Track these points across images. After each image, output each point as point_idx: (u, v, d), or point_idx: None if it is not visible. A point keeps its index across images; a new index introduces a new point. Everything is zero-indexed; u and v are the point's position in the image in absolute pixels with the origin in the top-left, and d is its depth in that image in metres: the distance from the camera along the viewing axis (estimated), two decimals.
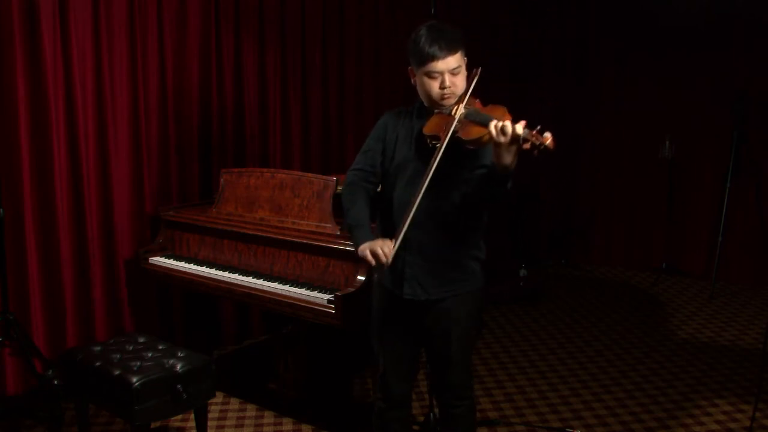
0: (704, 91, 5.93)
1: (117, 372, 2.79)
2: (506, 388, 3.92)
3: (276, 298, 3.28)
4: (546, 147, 2.05)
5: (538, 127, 2.09)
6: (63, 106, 3.57)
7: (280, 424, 3.48)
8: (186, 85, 4.19)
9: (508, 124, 2.08)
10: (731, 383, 3.96)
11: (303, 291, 3.20)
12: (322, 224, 3.36)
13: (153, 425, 3.04)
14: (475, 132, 2.20)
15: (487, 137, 2.15)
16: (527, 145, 2.09)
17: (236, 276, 3.47)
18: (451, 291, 2.45)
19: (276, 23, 4.63)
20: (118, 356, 2.95)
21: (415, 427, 3.43)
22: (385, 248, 2.24)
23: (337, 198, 3.35)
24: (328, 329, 3.14)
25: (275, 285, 3.31)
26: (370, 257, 2.26)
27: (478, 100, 2.34)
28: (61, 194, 3.57)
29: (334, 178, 3.38)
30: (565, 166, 6.77)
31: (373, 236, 2.36)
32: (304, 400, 3.56)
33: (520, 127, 2.08)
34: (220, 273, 3.53)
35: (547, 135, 2.06)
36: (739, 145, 5.62)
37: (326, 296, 3.10)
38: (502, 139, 2.08)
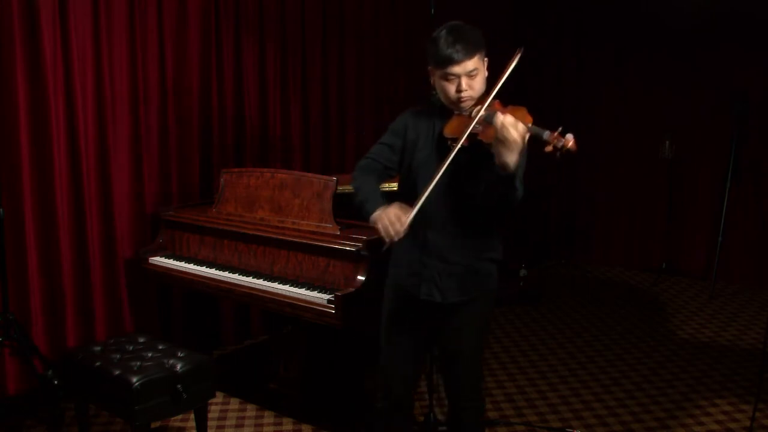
0: (704, 91, 5.93)
1: (117, 372, 2.80)
2: (506, 388, 3.92)
3: (276, 298, 3.28)
4: (568, 150, 2.03)
5: (560, 129, 2.06)
6: (63, 106, 3.57)
7: (280, 424, 3.48)
8: (186, 85, 4.19)
9: (511, 119, 2.06)
10: (731, 383, 3.96)
11: (303, 291, 3.20)
12: (322, 224, 3.36)
13: (153, 425, 3.04)
14: (494, 134, 2.16)
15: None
16: (549, 148, 2.06)
17: (236, 276, 3.47)
18: (469, 293, 2.44)
19: (276, 23, 4.63)
20: (118, 356, 2.95)
21: (415, 427, 3.43)
22: (397, 225, 2.18)
23: (336, 198, 3.35)
24: (328, 329, 3.14)
25: (275, 285, 3.31)
26: (381, 231, 2.22)
27: (498, 102, 2.31)
28: (61, 194, 3.57)
29: (334, 178, 3.38)
30: (565, 166, 6.77)
31: (385, 204, 2.29)
32: (304, 400, 3.56)
33: (522, 126, 2.06)
34: (221, 273, 3.53)
35: (569, 137, 2.04)
36: (738, 145, 5.62)
37: (326, 296, 3.10)
38: (511, 135, 2.04)
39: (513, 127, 2.06)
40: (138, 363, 2.88)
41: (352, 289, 3.05)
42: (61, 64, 3.54)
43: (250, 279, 3.42)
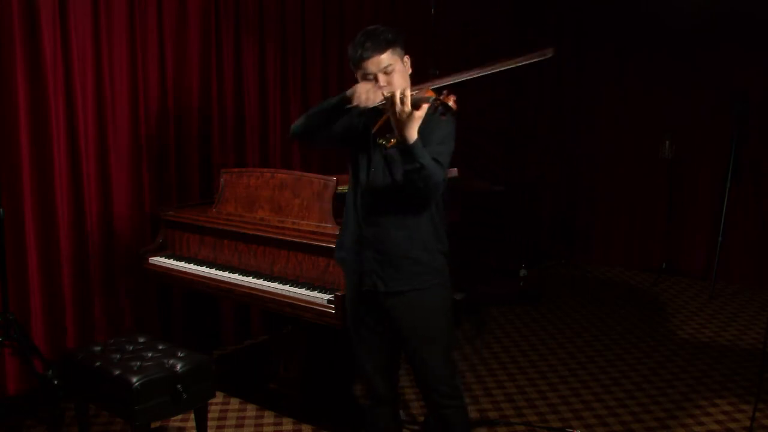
0: (704, 91, 5.93)
1: (117, 372, 2.79)
2: (506, 388, 3.92)
3: (276, 298, 3.28)
4: (447, 106, 2.13)
5: (445, 91, 2.16)
6: (63, 106, 3.57)
7: (280, 424, 3.48)
8: (186, 85, 4.19)
9: (396, 91, 2.18)
10: (731, 383, 3.96)
11: (303, 291, 3.20)
12: (322, 224, 3.36)
13: (153, 425, 3.04)
14: None
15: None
16: (433, 109, 2.18)
17: (236, 276, 3.47)
18: (413, 284, 2.45)
19: (276, 23, 4.63)
20: (118, 356, 2.95)
21: (415, 427, 3.43)
22: (375, 90, 2.30)
23: (337, 198, 3.35)
24: (328, 329, 3.14)
25: (275, 285, 3.31)
26: (359, 94, 2.31)
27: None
28: (61, 194, 3.57)
29: (334, 178, 3.38)
30: (565, 166, 6.78)
31: None
32: (304, 400, 3.56)
33: (406, 96, 2.17)
34: (221, 273, 3.53)
35: (451, 96, 2.13)
36: (738, 145, 5.62)
37: (326, 296, 3.10)
38: (397, 107, 2.16)
39: (403, 99, 2.17)
40: (138, 363, 2.88)
41: None
42: (61, 64, 3.54)
43: (250, 279, 3.42)
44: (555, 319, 5.10)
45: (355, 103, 2.31)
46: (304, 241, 3.31)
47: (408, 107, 2.16)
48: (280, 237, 3.40)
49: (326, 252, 3.22)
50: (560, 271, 6.46)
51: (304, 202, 3.46)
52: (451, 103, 2.13)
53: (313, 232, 3.33)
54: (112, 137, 3.82)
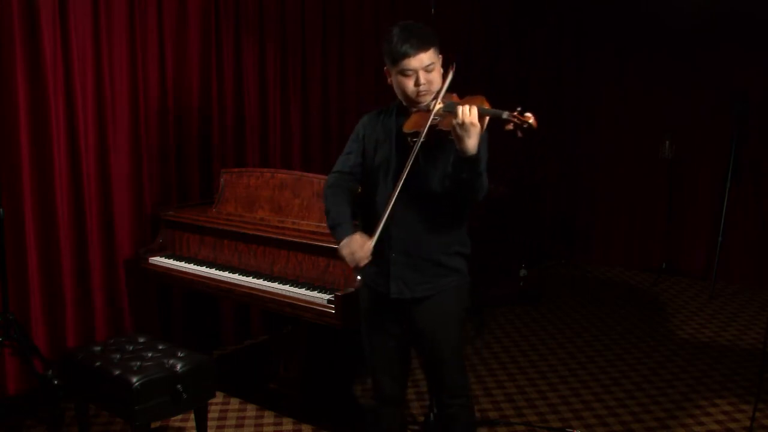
0: (704, 91, 5.93)
1: (117, 372, 2.80)
2: (506, 388, 3.92)
3: (276, 298, 3.28)
4: (530, 125, 2.10)
5: (519, 109, 2.14)
6: (63, 106, 3.57)
7: (280, 424, 3.48)
8: (186, 85, 4.19)
9: (467, 105, 2.14)
10: (731, 383, 3.96)
11: (303, 291, 3.20)
12: (323, 224, 3.34)
13: (153, 425, 3.05)
14: (452, 120, 2.23)
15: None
16: (509, 126, 2.14)
17: (236, 276, 3.47)
18: (437, 288, 2.44)
19: (276, 23, 4.63)
20: (118, 356, 2.95)
21: (415, 427, 3.43)
22: (360, 252, 2.26)
23: None
24: (328, 329, 3.14)
25: (275, 285, 3.31)
26: (346, 258, 2.31)
27: (455, 95, 2.34)
28: (61, 194, 3.57)
29: None
30: (565, 166, 6.78)
31: (354, 231, 2.38)
32: (304, 400, 3.56)
33: (475, 109, 2.14)
34: (221, 273, 3.53)
35: (529, 114, 2.11)
36: (738, 145, 5.62)
37: (326, 296, 3.10)
38: (467, 119, 2.12)
39: (470, 110, 2.14)
40: (138, 363, 2.88)
41: (352, 289, 3.05)
42: (61, 64, 3.54)
43: (250, 279, 3.42)
44: (555, 319, 5.10)
45: (355, 273, 2.28)
46: (304, 241, 3.31)
47: (477, 121, 2.13)
48: (280, 237, 3.40)
49: (326, 252, 3.22)
50: (560, 271, 6.46)
51: (304, 202, 3.46)
52: (532, 121, 2.10)
53: (313, 232, 3.34)
54: (112, 137, 3.81)
